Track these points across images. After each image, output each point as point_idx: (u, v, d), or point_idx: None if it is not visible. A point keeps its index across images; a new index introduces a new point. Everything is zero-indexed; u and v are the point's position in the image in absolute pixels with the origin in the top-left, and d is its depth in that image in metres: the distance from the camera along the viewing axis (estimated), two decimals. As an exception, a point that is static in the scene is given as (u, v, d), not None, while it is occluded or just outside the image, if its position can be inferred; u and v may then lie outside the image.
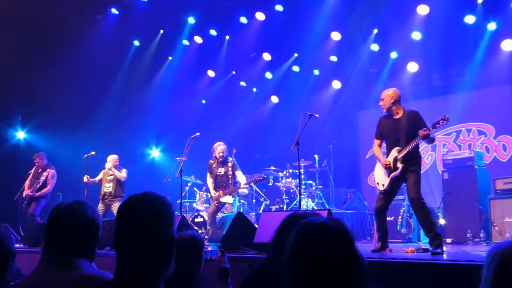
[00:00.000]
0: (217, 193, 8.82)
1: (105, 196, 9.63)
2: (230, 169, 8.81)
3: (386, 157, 6.27)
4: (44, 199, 9.79)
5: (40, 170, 9.90)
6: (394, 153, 6.14)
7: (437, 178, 10.28)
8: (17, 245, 7.86)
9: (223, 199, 8.77)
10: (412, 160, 6.07)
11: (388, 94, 6.29)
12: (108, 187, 9.67)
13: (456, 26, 10.01)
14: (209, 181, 9.06)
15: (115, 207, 9.33)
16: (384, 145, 6.55)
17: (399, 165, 6.03)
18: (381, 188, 6.25)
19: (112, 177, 9.72)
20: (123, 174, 9.78)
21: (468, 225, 8.30)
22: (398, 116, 6.22)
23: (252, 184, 10.66)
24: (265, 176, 8.82)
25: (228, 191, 8.73)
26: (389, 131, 6.28)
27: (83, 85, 12.10)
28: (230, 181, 8.75)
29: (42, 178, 9.73)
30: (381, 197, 6.26)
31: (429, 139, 6.08)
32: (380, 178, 6.32)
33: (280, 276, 1.79)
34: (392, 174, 6.09)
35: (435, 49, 10.37)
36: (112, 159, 9.84)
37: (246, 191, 10.86)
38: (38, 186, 9.67)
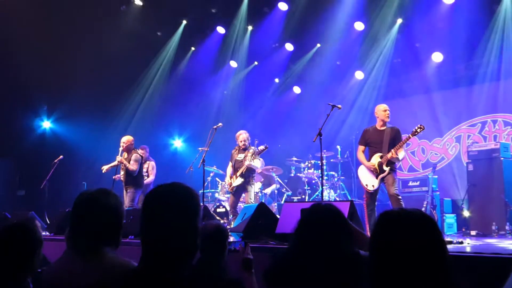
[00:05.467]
0: (231, 179, 8.89)
1: (122, 183, 9.19)
2: (250, 155, 8.83)
3: (369, 161, 7.25)
4: (140, 189, 9.26)
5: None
6: (377, 158, 7.14)
7: (461, 169, 10.17)
8: (43, 233, 8.01)
9: (234, 183, 8.81)
10: (391, 164, 7.08)
11: (388, 108, 7.37)
12: (122, 175, 9.10)
13: (482, 15, 9.82)
14: (228, 169, 9.13)
15: (128, 192, 8.99)
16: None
17: (386, 168, 7.03)
18: (371, 188, 7.16)
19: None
20: (132, 167, 8.87)
21: (493, 217, 8.19)
22: (382, 128, 7.27)
23: (267, 169, 10.68)
24: (267, 146, 8.80)
25: (241, 170, 8.74)
26: (374, 139, 7.26)
27: (107, 75, 12.21)
28: (246, 163, 8.76)
29: (144, 171, 9.66)
30: (370, 196, 7.20)
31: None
32: (368, 180, 7.21)
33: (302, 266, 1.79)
34: (381, 176, 7.06)
35: (460, 39, 10.19)
36: (123, 141, 9.03)
37: (269, 189, 10.82)
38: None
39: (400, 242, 1.66)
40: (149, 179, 10.05)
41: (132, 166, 8.91)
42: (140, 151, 9.65)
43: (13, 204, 11.28)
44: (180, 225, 1.85)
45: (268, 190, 10.77)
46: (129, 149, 9.05)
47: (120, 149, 8.97)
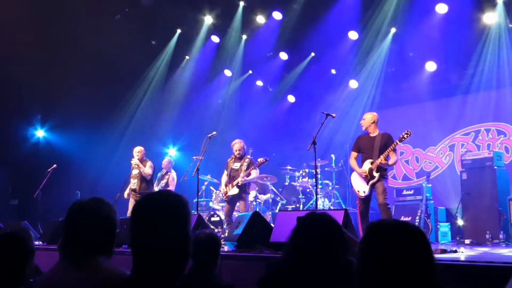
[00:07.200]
0: (226, 188, 8.89)
1: (132, 193, 9.53)
2: (245, 164, 8.84)
3: (361, 167, 7.29)
4: None
5: (164, 172, 10.48)
6: (367, 164, 7.20)
7: (455, 178, 10.18)
8: (36, 243, 7.97)
9: (230, 192, 8.80)
10: (381, 171, 7.12)
11: (369, 116, 7.48)
12: (133, 184, 9.54)
13: (475, 25, 9.89)
14: (223, 177, 9.15)
15: None
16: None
17: (375, 174, 7.08)
18: (362, 194, 7.21)
19: (137, 172, 9.57)
20: (148, 170, 9.53)
21: (487, 226, 8.21)
22: (374, 135, 7.35)
23: (264, 178, 10.68)
24: (267, 158, 8.84)
25: (236, 182, 8.74)
26: (366, 146, 7.35)
27: (101, 85, 12.21)
28: (242, 174, 8.78)
29: (164, 181, 10.28)
30: (362, 202, 7.24)
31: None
32: (359, 186, 7.27)
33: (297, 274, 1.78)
34: (371, 182, 7.10)
35: (454, 48, 10.25)
36: (138, 151, 9.71)
37: (264, 196, 10.85)
38: (163, 186, 10.19)
39: (388, 253, 1.68)
40: (170, 188, 10.14)
41: (148, 170, 9.55)
42: (164, 160, 10.51)
43: (5, 214, 11.21)
44: (170, 232, 1.83)
45: (262, 198, 10.75)
46: (142, 159, 9.67)
47: (137, 157, 9.59)
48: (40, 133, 13.13)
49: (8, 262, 2.50)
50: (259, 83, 13.78)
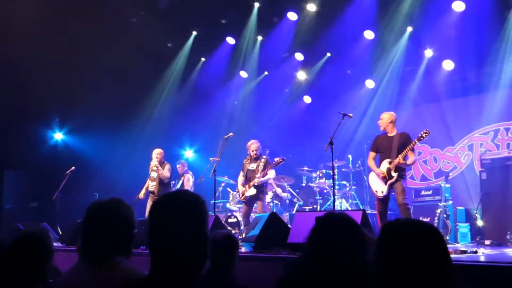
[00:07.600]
0: (243, 188, 8.88)
1: (151, 194, 9.55)
2: (262, 164, 8.84)
3: (379, 167, 7.28)
4: None
5: (180, 174, 10.66)
6: (385, 164, 7.16)
7: (474, 178, 10.06)
8: (55, 244, 8.05)
9: (247, 193, 8.79)
10: (400, 171, 7.09)
11: (387, 116, 7.46)
12: (151, 186, 9.56)
13: (493, 22, 9.76)
14: (240, 178, 9.14)
15: None
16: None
17: (394, 174, 7.04)
18: (380, 194, 7.19)
19: (155, 174, 9.59)
20: (166, 173, 9.57)
21: (507, 226, 8.09)
22: (392, 134, 7.33)
23: (279, 183, 10.67)
24: (284, 158, 8.81)
25: (252, 183, 8.74)
26: (383, 146, 7.34)
27: (118, 87, 12.27)
28: (258, 175, 8.77)
29: (180, 182, 10.49)
30: (381, 202, 7.23)
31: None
32: (377, 187, 7.26)
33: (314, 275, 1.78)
34: (389, 182, 7.06)
35: (471, 47, 10.13)
36: (157, 153, 9.73)
37: (286, 194, 10.85)
38: (178, 188, 10.40)
39: (404, 252, 1.68)
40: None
41: (166, 173, 9.59)
42: (178, 166, 10.60)
43: (25, 216, 11.33)
44: (187, 232, 1.83)
45: (283, 194, 10.76)
46: (161, 161, 9.72)
47: (156, 160, 9.64)
48: (58, 135, 13.26)
49: (27, 262, 2.52)
50: (275, 84, 13.67)
